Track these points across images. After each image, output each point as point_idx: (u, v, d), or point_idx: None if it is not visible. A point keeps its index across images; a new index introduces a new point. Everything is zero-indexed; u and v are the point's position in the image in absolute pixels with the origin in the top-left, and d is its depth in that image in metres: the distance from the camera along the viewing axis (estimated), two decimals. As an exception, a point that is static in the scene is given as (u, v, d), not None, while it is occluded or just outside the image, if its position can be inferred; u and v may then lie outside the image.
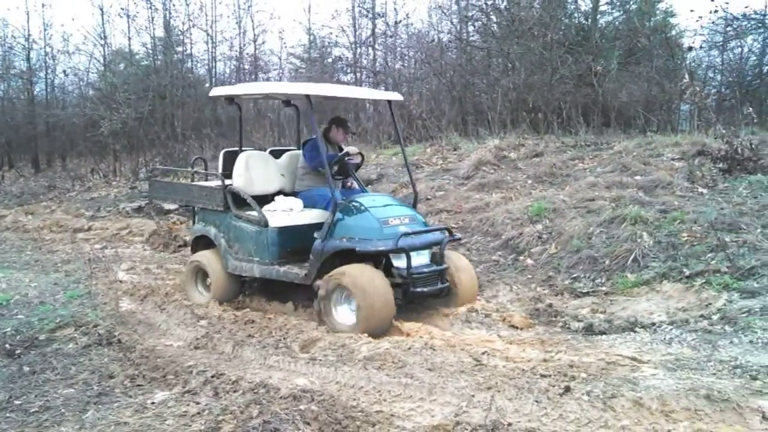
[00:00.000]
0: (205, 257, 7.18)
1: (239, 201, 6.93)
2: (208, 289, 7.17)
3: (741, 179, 8.45)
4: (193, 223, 7.86)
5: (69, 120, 21.80)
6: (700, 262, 6.42)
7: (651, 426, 3.81)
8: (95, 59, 22.13)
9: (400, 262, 6.07)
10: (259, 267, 6.68)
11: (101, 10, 21.23)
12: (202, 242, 7.39)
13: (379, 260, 6.15)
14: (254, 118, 18.77)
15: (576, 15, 17.43)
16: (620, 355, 4.95)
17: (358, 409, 4.18)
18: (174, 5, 20.78)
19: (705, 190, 8.34)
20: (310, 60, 21.72)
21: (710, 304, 5.71)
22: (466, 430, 3.84)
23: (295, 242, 6.63)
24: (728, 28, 17.30)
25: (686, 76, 13.14)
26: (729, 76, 17.26)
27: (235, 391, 4.56)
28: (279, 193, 7.29)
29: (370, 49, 20.35)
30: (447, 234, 6.59)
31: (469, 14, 17.72)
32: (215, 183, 7.40)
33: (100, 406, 4.39)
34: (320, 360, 5.14)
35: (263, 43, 22.99)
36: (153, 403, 4.44)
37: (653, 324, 5.63)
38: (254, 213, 6.71)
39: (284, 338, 5.68)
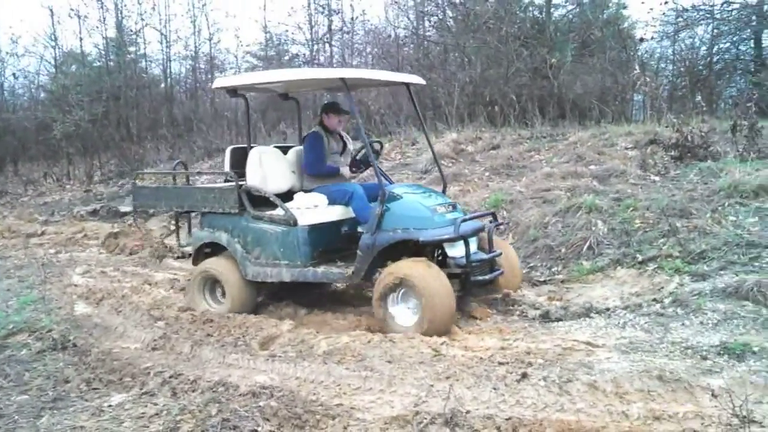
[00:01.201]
0: (217, 266, 6.55)
1: (254, 201, 6.38)
2: (218, 301, 6.60)
3: (691, 166, 8.64)
4: (189, 231, 7.31)
5: (20, 124, 21.30)
6: (652, 248, 6.55)
7: (606, 408, 3.89)
8: (46, 61, 21.72)
9: (456, 251, 5.75)
10: (288, 270, 6.15)
11: (51, 10, 20.81)
12: (204, 250, 6.83)
13: (433, 252, 5.91)
14: (211, 116, 18.57)
15: (530, 8, 17.63)
16: (576, 341, 5.03)
17: (318, 403, 4.18)
18: (125, 5, 20.46)
19: (657, 178, 8.51)
20: (267, 58, 21.55)
21: (662, 288, 5.83)
22: (426, 419, 3.87)
23: (325, 241, 6.24)
24: (679, 19, 17.66)
25: (637, 67, 13.45)
26: (680, 66, 17.61)
27: (193, 391, 4.53)
28: (290, 191, 6.77)
29: (326, 45, 20.29)
30: (493, 219, 6.41)
31: (426, 9, 17.79)
32: (222, 184, 6.82)
33: (55, 412, 4.32)
34: (280, 356, 5.12)
35: (219, 41, 22.80)
36: (110, 406, 4.38)
37: (608, 309, 5.73)
38: (277, 212, 6.21)
39: (243, 336, 5.63)
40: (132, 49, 20.84)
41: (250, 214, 6.32)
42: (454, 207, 6.11)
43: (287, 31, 21.37)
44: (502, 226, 7.16)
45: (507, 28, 14.77)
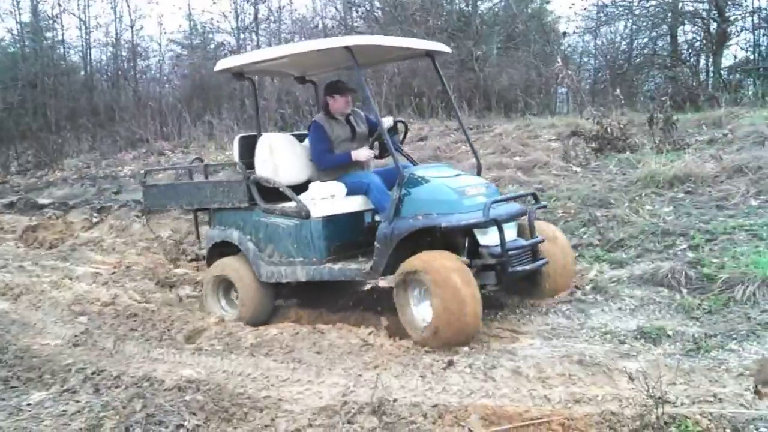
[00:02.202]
0: (230, 267, 5.98)
1: (266, 193, 5.81)
2: (234, 306, 6.02)
3: (611, 157, 8.94)
4: (196, 232, 6.78)
5: (-71, 113, 20.27)
6: (574, 237, 6.74)
7: (528, 392, 3.99)
8: (-44, 47, 20.70)
9: (488, 239, 4.99)
10: (304, 269, 5.53)
11: (-39, -6, 19.86)
12: (218, 251, 6.19)
13: (461, 242, 5.08)
14: (134, 105, 18.08)
15: (457, 1, 17.86)
16: (500, 328, 5.14)
17: (246, 396, 4.16)
18: (41, -12, 19.70)
19: (578, 169, 8.77)
20: (192, 47, 21.13)
21: (583, 275, 6.01)
22: (353, 408, 3.89)
23: (342, 235, 5.59)
24: (600, 15, 18.22)
25: (560, 60, 13.81)
26: (601, 60, 18.17)
27: (117, 387, 4.42)
28: (309, 182, 6.08)
29: (253, 34, 20.05)
30: (534, 200, 5.65)
31: (354, 0, 17.77)
32: (224, 177, 6.35)
33: (-31, 412, 4.15)
34: (206, 350, 5.05)
35: (141, 28, 22.17)
36: (29, 404, 4.23)
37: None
38: (290, 204, 5.60)
39: (168, 330, 5.54)
40: (49, 34, 20.16)
41: (261, 208, 5.75)
42: (489, 189, 5.37)
43: (212, 19, 20.98)
44: (545, 209, 6.35)
45: (434, 20, 14.92)
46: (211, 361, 4.81)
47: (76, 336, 5.54)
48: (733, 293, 5.00)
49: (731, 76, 15.57)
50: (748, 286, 4.97)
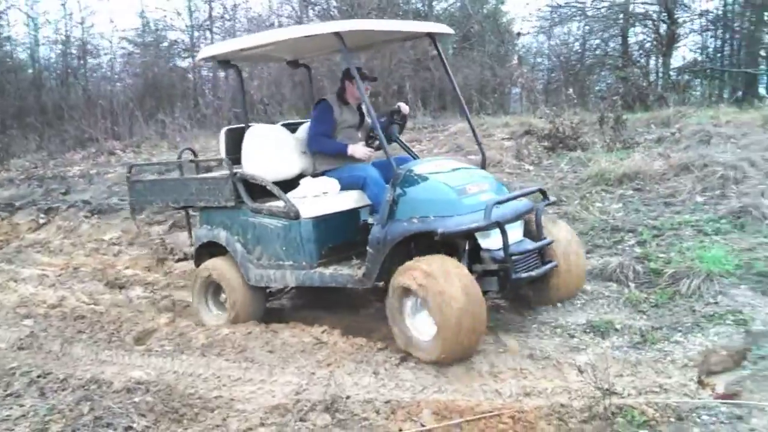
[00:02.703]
0: (217, 268, 5.60)
1: (253, 191, 5.42)
2: (223, 308, 5.66)
3: (563, 156, 9.07)
4: (189, 230, 6.44)
5: None
6: (526, 234, 6.81)
7: (480, 387, 4.04)
8: None
9: (490, 242, 4.51)
10: (293, 273, 5.16)
11: None
12: (207, 251, 5.81)
13: (462, 245, 4.63)
14: (84, 104, 17.70)
15: (413, 1, 17.93)
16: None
17: (197, 396, 4.12)
18: (-14, -17, 19.19)
19: (531, 167, 8.87)
20: (144, 44, 20.78)
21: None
22: (306, 406, 3.88)
23: (335, 236, 5.15)
24: (553, 15, 18.50)
25: (517, 59, 14.00)
26: (555, 60, 18.45)
27: (63, 390, 4.34)
28: (301, 176, 5.67)
29: (207, 32, 19.81)
30: (542, 197, 5.12)
31: (309, -2, 17.73)
32: (218, 173, 5.81)
33: None
34: (156, 351, 4.97)
35: (92, 26, 21.64)
36: (-30, 409, 4.12)
37: (486, 293, 5.91)
38: (278, 204, 5.19)
39: (117, 332, 5.43)
40: (-6, 31, 19.57)
41: (249, 207, 5.36)
42: (492, 184, 4.94)
43: (165, 16, 20.68)
44: (554, 205, 5.82)
45: (390, 19, 14.93)
46: (161, 362, 4.74)
47: (21, 339, 5.39)
48: (678, 287, 5.12)
49: (680, 77, 15.97)
50: (693, 280, 5.09)
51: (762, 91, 15.06)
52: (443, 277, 4.16)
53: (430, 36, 5.47)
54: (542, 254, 4.81)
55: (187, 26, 20.03)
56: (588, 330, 4.79)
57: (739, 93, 13.56)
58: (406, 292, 4.36)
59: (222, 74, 18.36)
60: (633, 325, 4.78)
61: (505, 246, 4.38)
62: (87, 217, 9.83)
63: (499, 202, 4.54)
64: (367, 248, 4.69)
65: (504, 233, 4.36)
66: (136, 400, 4.00)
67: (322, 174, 5.52)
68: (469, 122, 5.72)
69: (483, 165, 5.57)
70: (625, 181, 7.48)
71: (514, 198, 4.78)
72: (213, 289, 5.70)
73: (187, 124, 14.92)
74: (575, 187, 7.63)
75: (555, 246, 4.83)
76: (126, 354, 4.98)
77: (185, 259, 7.61)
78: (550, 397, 3.88)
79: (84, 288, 7.01)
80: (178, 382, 4.36)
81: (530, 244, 4.71)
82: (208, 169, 7.06)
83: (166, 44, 20.60)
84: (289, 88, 16.07)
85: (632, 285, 5.37)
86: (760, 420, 3.46)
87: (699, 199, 6.73)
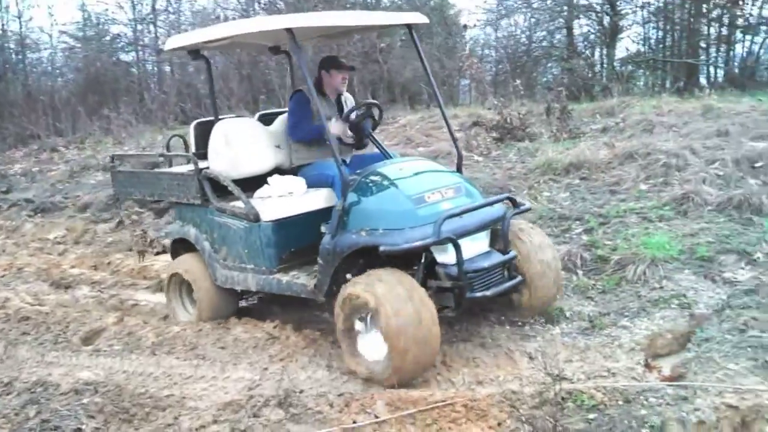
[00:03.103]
0: (187, 266, 5.43)
1: (221, 189, 5.13)
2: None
3: (511, 146, 9.18)
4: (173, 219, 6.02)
5: None
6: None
7: (433, 377, 4.08)
8: None
9: (446, 257, 4.21)
10: (255, 277, 4.93)
11: None
12: (182, 245, 5.61)
13: (418, 257, 4.29)
14: (23, 100, 17.18)
15: (360, -8, 17.86)
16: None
17: (147, 396, 4.04)
18: None
19: (480, 158, 8.95)
20: (86, 38, 20.27)
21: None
22: (260, 402, 3.85)
23: (299, 239, 4.83)
24: (500, 8, 18.66)
25: (467, 49, 14.09)
26: (502, 52, 18.62)
27: (8, 394, 4.21)
28: (276, 171, 5.40)
29: (151, 26, 19.43)
30: (510, 206, 4.70)
31: (255, -9, 17.51)
32: (189, 168, 5.49)
33: None
34: (105, 351, 4.88)
35: (30, 19, 21.02)
36: None
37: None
38: (240, 204, 4.95)
39: (64, 332, 5.30)
40: (-73, 25, 18.86)
41: (214, 206, 5.12)
42: (460, 191, 4.53)
43: (107, 10, 20.18)
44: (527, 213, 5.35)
45: (337, 11, 14.86)
46: (110, 362, 4.65)
47: (-38, 343, 5.23)
48: (624, 273, 5.24)
49: (623, 68, 16.27)
50: (638, 266, 5.21)
51: (702, 80, 15.48)
52: (394, 295, 3.87)
53: (408, 26, 5.20)
54: (509, 268, 4.47)
55: (129, 20, 19.63)
56: (538, 317, 4.86)
57: (681, 83, 13.89)
58: (356, 309, 4.05)
59: (167, 68, 18.09)
60: (582, 311, 4.88)
61: (459, 263, 4.07)
62: (30, 216, 9.59)
63: (452, 216, 4.10)
64: (318, 259, 4.42)
65: (458, 248, 4.04)
66: (85, 401, 3.91)
67: (299, 170, 5.31)
68: (444, 118, 5.38)
69: (459, 164, 5.20)
70: (572, 170, 7.61)
71: (475, 209, 4.33)
72: (187, 285, 5.47)
73: (132, 119, 14.64)
74: (523, 177, 7.72)
75: (528, 254, 4.55)
76: (73, 355, 4.87)
77: (165, 252, 7.30)
78: (502, 385, 3.94)
79: (28, 288, 6.83)
80: (128, 381, 4.28)
81: (488, 260, 4.33)
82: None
83: (108, 38, 20.14)
84: (237, 82, 15.87)
85: (580, 272, 5.48)
86: (704, 400, 3.56)
87: (643, 186, 6.88)
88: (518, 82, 12.77)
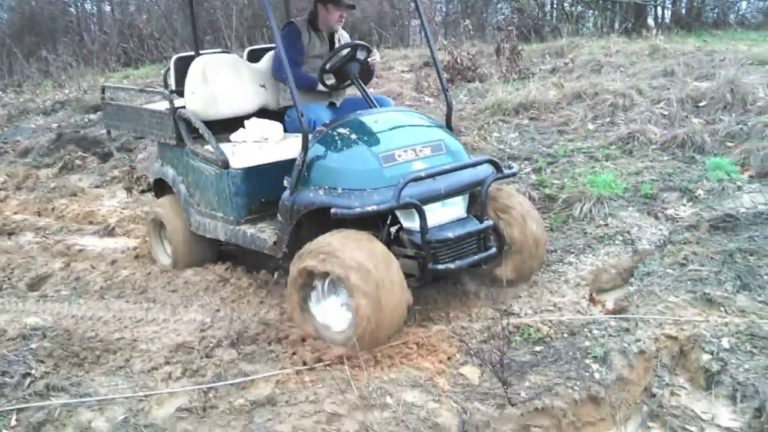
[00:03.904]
0: (164, 207, 5.18)
1: (212, 130, 4.74)
2: None
3: (461, 87, 9.17)
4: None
5: None
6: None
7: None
8: None
9: (411, 222, 3.83)
10: (223, 227, 4.63)
11: None
12: (166, 185, 5.29)
13: (383, 220, 3.94)
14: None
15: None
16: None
17: (98, 339, 4.01)
18: None
19: (431, 99, 8.93)
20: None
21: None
22: (212, 342, 3.86)
23: (271, 189, 4.36)
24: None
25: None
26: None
27: (-48, 341, 4.13)
28: (261, 113, 5.06)
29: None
30: (493, 169, 4.17)
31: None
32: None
33: None
34: (52, 296, 4.80)
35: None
36: None
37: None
38: (211, 148, 4.61)
39: (9, 279, 5.19)
40: None
41: (189, 149, 4.82)
42: (438, 149, 4.09)
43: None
44: (513, 177, 5.06)
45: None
46: (58, 307, 4.57)
47: None
48: (571, 211, 5.35)
49: (573, 8, 16.26)
50: (584, 204, 5.32)
51: (650, 21, 15.58)
52: (362, 260, 3.50)
53: None
54: (484, 238, 4.05)
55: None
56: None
57: (629, 24, 13.96)
58: (312, 274, 3.74)
59: (107, 8, 17.41)
60: (529, 248, 4.97)
61: (423, 230, 3.70)
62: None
63: (416, 179, 3.70)
64: (277, 215, 4.13)
65: (422, 215, 3.66)
66: (33, 346, 3.86)
67: (286, 112, 5.00)
68: (436, 64, 4.94)
69: (448, 118, 4.80)
70: (521, 110, 7.66)
71: (445, 171, 3.89)
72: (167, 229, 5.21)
73: (72, 61, 14.11)
74: (473, 117, 7.74)
75: (511, 220, 4.22)
76: (19, 301, 4.76)
77: (150, 190, 6.80)
78: (452, 321, 4.01)
79: (-31, 236, 6.63)
80: (77, 326, 4.23)
81: (458, 229, 3.88)
82: None
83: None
84: (181, 23, 15.41)
85: (529, 211, 5.55)
86: (645, 332, 3.70)
87: (590, 126, 6.98)
88: (468, 22, 12.68)
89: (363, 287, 3.45)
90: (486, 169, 4.11)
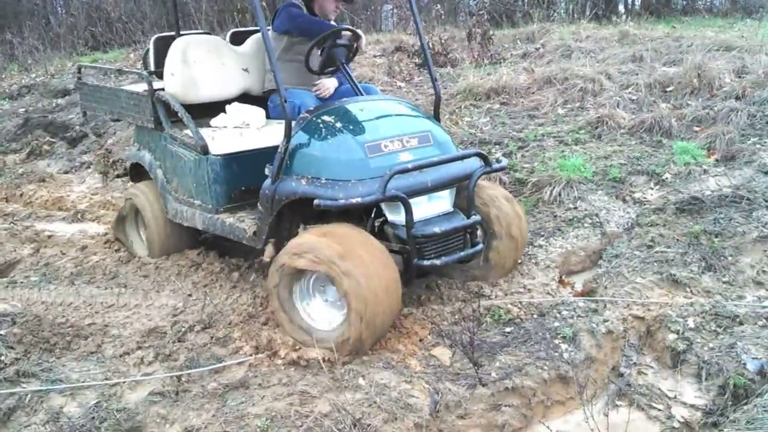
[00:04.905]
0: (140, 193, 5.05)
1: (191, 113, 4.56)
2: None
3: (434, 72, 9.15)
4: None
5: None
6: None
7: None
8: None
9: (397, 216, 3.71)
10: (201, 215, 4.47)
11: None
12: (142, 169, 5.15)
13: (368, 213, 3.91)
14: None
15: None
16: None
17: (68, 325, 4.00)
18: None
19: (403, 84, 8.92)
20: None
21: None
22: (185, 327, 3.88)
23: (252, 177, 4.20)
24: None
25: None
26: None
27: None
28: (244, 97, 4.95)
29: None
30: (481, 162, 4.05)
31: None
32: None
33: None
34: (22, 282, 4.75)
35: None
36: None
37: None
38: (190, 133, 4.44)
39: (-24, 265, 5.15)
40: None
41: (167, 133, 4.67)
42: (426, 140, 3.97)
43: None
44: (502, 171, 5.06)
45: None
46: (28, 293, 4.54)
47: None
48: (541, 195, 5.41)
49: (544, -6, 16.30)
50: (554, 188, 5.38)
51: (620, 8, 15.69)
52: (355, 257, 3.40)
53: None
54: (472, 233, 3.98)
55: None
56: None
57: (599, 10, 14.05)
58: (299, 271, 3.59)
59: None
60: (500, 232, 5.02)
61: (408, 225, 3.59)
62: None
63: (401, 171, 3.57)
64: (258, 204, 3.98)
65: (407, 208, 3.54)
66: (2, 332, 3.84)
67: (269, 97, 4.85)
68: (425, 52, 4.91)
69: (437, 108, 4.73)
70: (493, 95, 7.68)
71: (433, 164, 3.77)
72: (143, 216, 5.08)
73: (38, 44, 13.85)
74: (445, 102, 7.74)
75: (493, 216, 4.16)
76: (-13, 287, 4.73)
77: (126, 174, 6.56)
78: (423, 304, 4.06)
79: (-66, 222, 6.52)
80: (48, 312, 4.21)
81: (444, 225, 3.77)
82: None
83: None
84: (149, 6, 15.18)
85: (499, 195, 5.60)
86: (612, 312, 3.79)
87: (560, 111, 7.03)
88: (440, 7, 12.66)
89: (354, 288, 3.32)
90: (474, 163, 4.02)
